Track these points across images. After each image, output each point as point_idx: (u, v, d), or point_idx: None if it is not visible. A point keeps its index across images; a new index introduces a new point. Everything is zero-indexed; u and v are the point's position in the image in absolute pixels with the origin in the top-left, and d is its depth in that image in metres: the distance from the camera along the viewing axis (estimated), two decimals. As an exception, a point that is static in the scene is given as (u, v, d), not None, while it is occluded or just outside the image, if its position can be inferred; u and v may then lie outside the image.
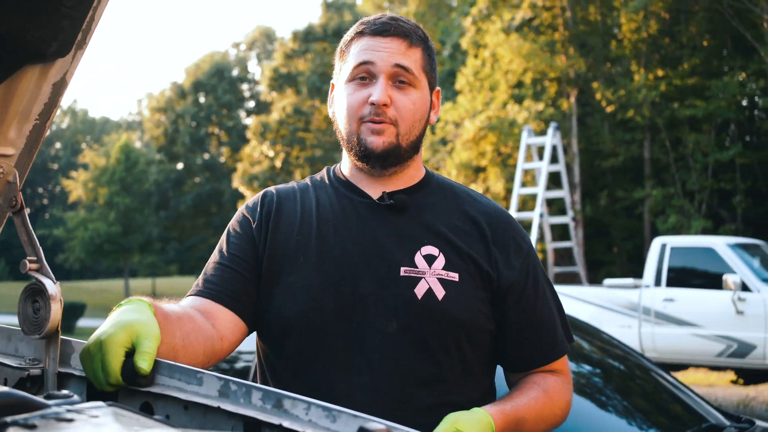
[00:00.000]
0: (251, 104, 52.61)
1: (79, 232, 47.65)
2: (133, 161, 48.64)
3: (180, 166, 51.89)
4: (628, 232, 24.87)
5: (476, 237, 1.96)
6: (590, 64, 23.81)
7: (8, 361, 1.60)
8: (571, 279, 15.34)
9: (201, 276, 1.95)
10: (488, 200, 2.09)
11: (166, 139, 50.96)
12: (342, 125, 1.97)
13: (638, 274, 20.99)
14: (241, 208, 2.05)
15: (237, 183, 38.92)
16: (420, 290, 1.85)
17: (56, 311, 1.50)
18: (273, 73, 40.15)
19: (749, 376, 11.22)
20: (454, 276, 1.89)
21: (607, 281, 11.90)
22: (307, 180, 2.10)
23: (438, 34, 36.95)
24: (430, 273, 1.87)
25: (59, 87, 1.55)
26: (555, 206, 20.70)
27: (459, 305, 1.87)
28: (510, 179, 22.24)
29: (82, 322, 34.77)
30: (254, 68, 59.36)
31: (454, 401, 1.86)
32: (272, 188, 2.07)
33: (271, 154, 37.99)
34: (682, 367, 11.47)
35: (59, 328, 1.53)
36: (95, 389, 1.50)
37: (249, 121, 48.12)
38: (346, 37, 2.01)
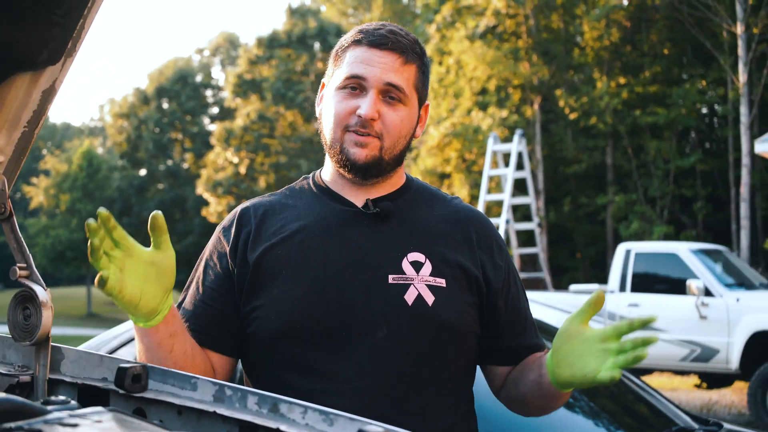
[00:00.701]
0: (215, 110, 52.34)
1: (40, 239, 47.03)
2: (95, 167, 48.12)
3: (143, 172, 51.49)
4: (591, 238, 25.12)
5: (461, 241, 1.98)
6: (553, 72, 24.03)
7: (-4, 368, 1.60)
8: (537, 285, 15.41)
9: (181, 309, 1.94)
10: (465, 203, 2.11)
11: (129, 146, 50.56)
12: (327, 130, 1.97)
13: (601, 279, 21.20)
14: (217, 230, 2.03)
15: (201, 189, 38.71)
16: (410, 297, 1.86)
17: (47, 318, 1.50)
18: (237, 79, 40.01)
19: (712, 380, 11.36)
20: (442, 282, 1.90)
21: (573, 287, 11.99)
22: (286, 190, 2.08)
23: (402, 40, 37.09)
24: (419, 279, 1.88)
25: (48, 94, 1.55)
26: (519, 212, 20.84)
27: (449, 311, 1.88)
28: (474, 185, 22.37)
29: (44, 331, 34.34)
30: (218, 74, 59.25)
31: (444, 403, 1.88)
32: (249, 203, 2.04)
33: (235, 160, 37.84)
34: (647, 371, 11.59)
35: (50, 335, 1.53)
36: (86, 396, 1.50)
37: (213, 127, 47.86)
38: (343, 41, 1.98)
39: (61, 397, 1.24)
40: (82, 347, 4.53)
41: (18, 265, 1.55)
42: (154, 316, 1.68)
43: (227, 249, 1.94)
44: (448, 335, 1.88)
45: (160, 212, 1.58)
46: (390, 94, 1.91)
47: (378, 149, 1.91)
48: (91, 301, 49.68)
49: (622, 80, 22.68)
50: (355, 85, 1.91)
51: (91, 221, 1.51)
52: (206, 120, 52.02)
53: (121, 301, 1.59)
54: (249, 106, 38.41)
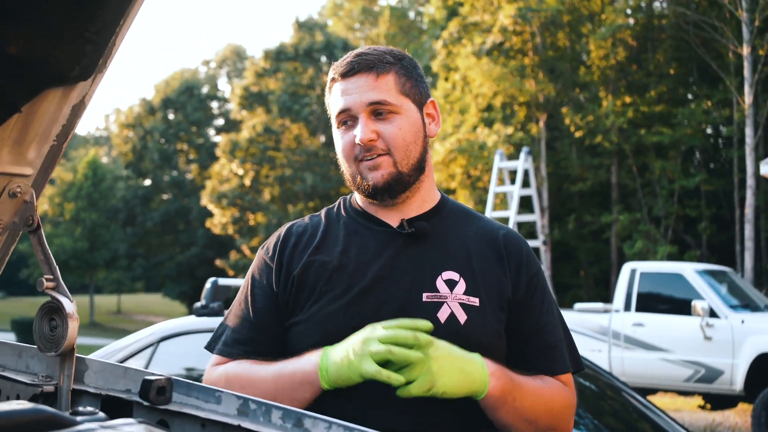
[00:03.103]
0: (221, 122, 52.42)
1: (43, 248, 47.03)
2: (100, 177, 48.23)
3: (148, 182, 51.55)
4: (595, 256, 25.09)
5: (493, 259, 2.00)
6: (559, 90, 24.06)
7: (21, 378, 1.61)
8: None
9: (229, 330, 1.98)
10: (498, 222, 2.14)
11: (134, 156, 50.62)
12: (344, 168, 2.02)
13: (605, 298, 21.20)
14: (261, 253, 2.08)
15: (205, 200, 38.73)
16: (443, 315, 1.88)
17: (73, 329, 1.52)
18: (243, 92, 40.09)
19: (716, 401, 11.33)
20: (475, 301, 1.91)
21: (578, 305, 11.97)
22: (322, 213, 2.12)
23: (409, 56, 37.15)
24: (452, 298, 1.90)
25: (78, 109, 1.58)
26: (524, 230, 20.82)
27: (481, 330, 1.90)
28: (479, 202, 22.37)
29: (45, 339, 34.26)
30: (224, 86, 59.33)
31: (474, 421, 1.90)
32: (289, 224, 2.11)
33: (240, 172, 37.85)
34: (651, 391, 11.56)
35: (75, 346, 1.55)
36: (109, 407, 1.52)
37: (218, 138, 47.92)
38: (328, 82, 2.06)
39: (89, 408, 1.26)
40: (90, 356, 4.55)
41: (45, 276, 1.57)
42: None
43: (271, 266, 2.00)
44: (479, 354, 1.89)
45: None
46: (378, 111, 1.95)
47: (392, 165, 1.95)
48: (93, 311, 49.69)
49: (627, 99, 22.70)
50: (346, 119, 1.98)
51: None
52: (212, 131, 52.12)
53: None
54: (255, 119, 38.47)
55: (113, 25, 1.48)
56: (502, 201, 18.00)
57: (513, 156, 20.03)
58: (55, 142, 1.60)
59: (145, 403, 1.44)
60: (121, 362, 4.49)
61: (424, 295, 1.90)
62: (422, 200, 2.05)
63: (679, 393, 11.51)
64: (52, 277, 1.57)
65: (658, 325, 10.83)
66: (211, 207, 38.45)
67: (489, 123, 24.28)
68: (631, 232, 22.38)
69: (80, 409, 1.26)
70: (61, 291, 1.56)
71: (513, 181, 15.66)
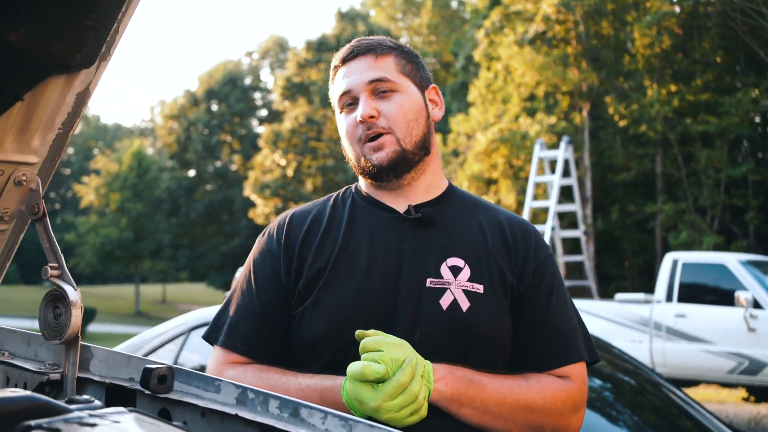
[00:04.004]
0: (263, 113, 52.72)
1: (90, 238, 47.78)
2: (145, 168, 48.77)
3: (192, 173, 52.05)
4: (640, 247, 24.81)
5: (501, 247, 1.98)
6: (603, 78, 23.79)
7: (28, 366, 1.62)
8: (582, 293, 15.27)
9: (233, 322, 1.96)
10: (508, 211, 2.12)
11: (178, 147, 51.13)
12: (349, 152, 2.03)
13: (649, 288, 20.94)
14: (261, 240, 2.07)
15: (248, 191, 39.00)
16: (445, 301, 1.87)
17: (77, 317, 1.52)
18: (286, 83, 40.26)
19: (760, 393, 11.17)
20: (479, 288, 1.90)
21: (619, 296, 11.83)
22: (328, 198, 2.12)
23: (451, 46, 37.00)
24: (456, 284, 1.89)
25: (83, 97, 1.58)
26: (566, 220, 20.67)
27: (483, 317, 1.88)
28: (521, 192, 22.24)
29: (93, 327, 34.85)
30: (267, 77, 59.75)
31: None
32: (290, 211, 2.10)
33: (282, 162, 38.06)
34: (693, 383, 11.42)
35: (79, 334, 1.55)
36: (114, 394, 1.52)
37: (261, 129, 48.22)
38: (330, 71, 2.09)
39: (85, 397, 1.26)
40: (125, 344, 4.60)
41: (50, 264, 1.58)
42: None
43: (274, 254, 1.99)
44: (480, 342, 1.88)
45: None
46: (379, 89, 1.97)
47: (395, 143, 1.96)
48: (139, 300, 50.33)
49: (673, 88, 22.36)
50: (349, 101, 2.00)
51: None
52: (254, 122, 52.45)
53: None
54: (297, 109, 38.62)
55: (114, 13, 1.47)
56: (545, 191, 17.87)
57: (556, 146, 19.86)
58: (60, 130, 1.60)
59: (147, 392, 1.44)
60: (155, 349, 4.54)
61: (428, 281, 1.89)
62: (428, 185, 2.04)
63: (722, 385, 11.36)
64: (57, 265, 1.58)
65: (701, 316, 10.68)
66: (254, 197, 38.70)
67: (531, 112, 24.10)
68: (677, 223, 22.07)
69: (76, 397, 1.26)
70: (65, 279, 1.56)
71: (553, 171, 15.54)
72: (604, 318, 11.12)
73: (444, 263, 1.92)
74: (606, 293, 21.82)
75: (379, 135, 1.95)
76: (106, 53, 1.53)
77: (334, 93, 2.04)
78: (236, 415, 1.32)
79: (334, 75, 2.06)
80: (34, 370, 1.59)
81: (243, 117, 51.20)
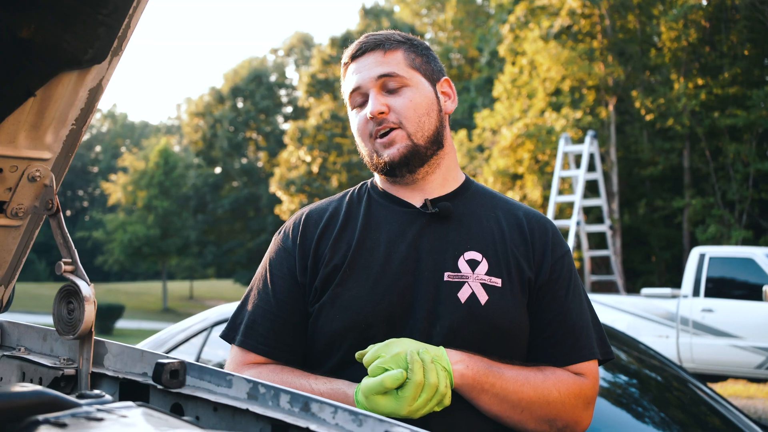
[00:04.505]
0: (289, 110, 52.85)
1: (118, 235, 48.12)
2: (171, 165, 49.04)
3: (218, 170, 52.27)
4: (667, 242, 24.62)
5: (518, 241, 1.97)
6: (629, 73, 23.63)
7: (43, 361, 1.63)
8: (608, 288, 15.19)
9: (250, 321, 1.96)
10: (525, 205, 2.11)
11: (204, 144, 51.35)
12: (362, 149, 2.03)
13: (677, 283, 20.78)
14: (277, 239, 2.06)
15: (274, 188, 39.09)
16: (463, 295, 1.86)
17: (90, 312, 1.52)
18: (310, 79, 40.30)
19: (789, 388, 11.07)
20: (497, 281, 1.89)
21: (645, 291, 11.74)
22: (344, 195, 2.12)
23: (475, 41, 36.92)
24: (473, 278, 1.88)
25: (95, 92, 1.58)
26: (592, 215, 20.55)
27: (502, 311, 1.87)
28: (547, 187, 22.15)
29: (121, 324, 35.13)
30: (292, 74, 59.80)
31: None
32: (306, 208, 2.09)
33: (308, 159, 38.11)
34: (720, 378, 11.33)
35: (93, 329, 1.56)
36: (128, 389, 1.52)
37: (286, 126, 48.35)
38: (341, 68, 2.09)
39: (96, 392, 1.26)
40: (150, 339, 4.62)
41: (63, 260, 1.58)
42: None
43: (290, 253, 1.99)
44: (499, 335, 1.87)
45: None
46: (388, 84, 1.96)
47: (407, 138, 1.95)
48: (166, 296, 50.64)
49: (700, 81, 22.16)
50: (359, 97, 1.99)
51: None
52: (280, 119, 52.57)
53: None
54: (322, 106, 38.67)
55: (125, 8, 1.47)
56: (570, 186, 17.78)
57: (582, 140, 19.75)
58: (73, 125, 1.60)
59: (159, 387, 1.44)
60: (180, 344, 4.56)
61: (446, 275, 1.88)
62: (444, 179, 2.03)
63: (750, 380, 11.25)
64: (70, 260, 1.58)
65: (729, 310, 10.58)
66: (279, 194, 38.78)
67: (557, 107, 23.98)
68: (704, 217, 21.89)
69: (86, 392, 1.26)
70: (79, 274, 1.57)
71: (578, 166, 15.46)
72: (630, 313, 11.05)
73: (461, 257, 1.91)
74: (634, 288, 21.68)
75: (390, 131, 1.94)
76: (118, 48, 1.53)
77: (345, 90, 2.04)
78: (247, 409, 1.32)
79: (344, 72, 2.06)
80: (49, 365, 1.59)
81: (268, 114, 51.33)
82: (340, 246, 1.95)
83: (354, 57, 2.02)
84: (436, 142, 1.99)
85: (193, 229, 48.87)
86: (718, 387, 11.82)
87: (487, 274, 1.89)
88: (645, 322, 10.97)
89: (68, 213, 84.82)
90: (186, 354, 4.39)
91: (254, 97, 50.61)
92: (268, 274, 2.00)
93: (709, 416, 4.00)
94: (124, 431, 1.03)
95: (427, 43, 2.11)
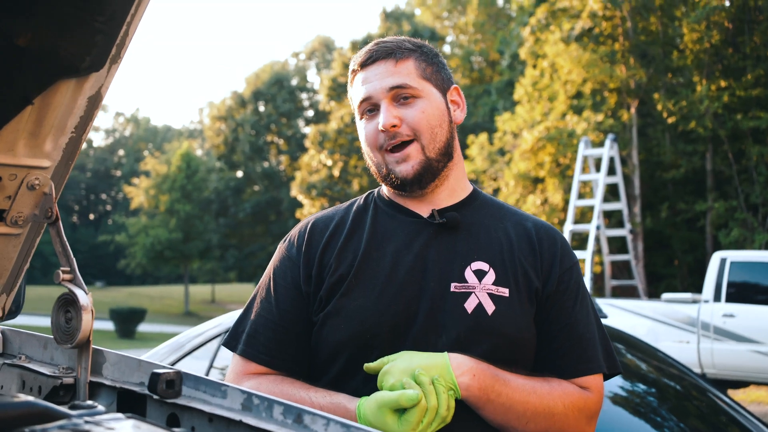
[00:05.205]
0: (310, 113, 52.96)
1: (140, 238, 48.37)
2: (193, 169, 49.24)
3: (239, 174, 52.46)
4: (690, 245, 24.45)
5: (527, 251, 1.96)
6: (651, 75, 23.49)
7: (43, 370, 1.63)
8: (629, 292, 15.09)
9: (252, 330, 1.94)
10: (533, 216, 2.09)
11: (226, 148, 51.55)
12: (369, 159, 2.01)
13: (699, 287, 20.58)
14: (282, 247, 2.05)
15: (295, 191, 39.19)
16: (470, 305, 1.84)
17: (87, 321, 1.52)
18: (332, 83, 40.38)
19: (812, 395, 10.94)
20: (504, 291, 1.88)
21: (665, 296, 11.65)
22: (351, 204, 2.10)
23: (496, 44, 36.83)
24: (480, 288, 1.86)
25: (94, 100, 1.57)
26: (614, 218, 20.43)
27: (509, 321, 1.85)
28: (568, 190, 22.05)
29: (143, 327, 35.29)
30: (313, 78, 59.90)
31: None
32: (312, 217, 2.08)
33: (329, 163, 38.18)
34: (742, 384, 11.21)
35: (91, 338, 1.55)
36: (126, 399, 1.51)
37: (308, 130, 48.44)
38: (349, 75, 2.05)
39: (89, 402, 1.26)
40: (168, 343, 4.63)
41: (62, 268, 1.58)
42: None
43: (295, 263, 1.97)
44: (506, 345, 1.85)
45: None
46: (400, 95, 1.93)
47: (420, 152, 1.93)
48: (188, 300, 50.83)
49: (723, 83, 21.99)
50: (370, 107, 1.96)
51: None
52: (301, 123, 52.68)
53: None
54: (343, 110, 38.72)
55: (123, 16, 1.46)
56: (592, 190, 17.69)
57: (603, 144, 19.66)
58: (73, 134, 1.59)
59: (155, 397, 1.43)
60: (196, 348, 4.56)
61: (452, 285, 1.86)
62: (452, 189, 2.01)
63: (772, 386, 11.14)
64: (69, 269, 1.57)
65: (750, 315, 10.47)
66: (300, 198, 38.88)
67: (578, 110, 23.88)
68: (727, 221, 21.71)
69: (79, 402, 1.25)
70: (77, 283, 1.56)
71: (598, 169, 15.39)
72: (651, 318, 10.96)
73: (468, 267, 1.89)
74: (656, 293, 21.53)
75: (403, 144, 1.92)
76: (116, 56, 1.53)
77: (354, 98, 2.01)
78: (240, 421, 1.31)
79: (352, 79, 2.03)
80: (49, 374, 1.59)
81: (290, 117, 51.46)
82: (346, 255, 1.93)
83: (363, 65, 1.98)
84: (447, 154, 1.97)
85: (214, 233, 49.06)
86: (740, 393, 11.72)
87: (494, 284, 1.88)
88: (665, 327, 10.88)
89: (91, 217, 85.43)
90: (202, 358, 4.39)
91: (276, 101, 50.75)
92: (271, 283, 1.98)
93: (729, 426, 3.94)
94: (109, 445, 1.02)
95: (436, 50, 2.07)
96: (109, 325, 34.66)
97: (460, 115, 2.04)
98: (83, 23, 1.42)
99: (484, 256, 1.91)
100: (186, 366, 4.27)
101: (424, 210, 1.98)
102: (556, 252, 1.98)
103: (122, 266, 53.65)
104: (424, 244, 1.92)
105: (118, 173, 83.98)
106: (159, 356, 4.38)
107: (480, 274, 1.88)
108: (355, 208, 2.07)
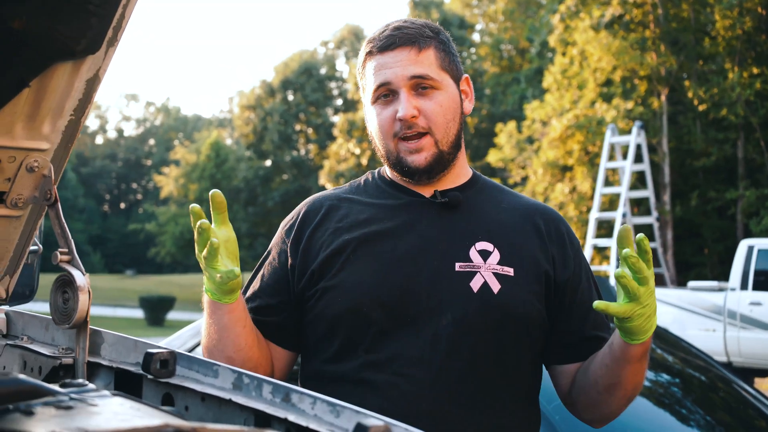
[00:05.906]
0: (339, 102, 52.93)
1: (170, 227, 48.71)
2: (222, 158, 49.45)
3: (268, 163, 52.55)
4: (720, 234, 24.20)
5: (531, 233, 1.97)
6: (682, 62, 23.25)
7: (44, 350, 1.65)
8: (657, 281, 14.96)
9: (251, 291, 2.02)
10: (534, 199, 2.10)
11: (255, 137, 51.65)
12: (379, 144, 1.99)
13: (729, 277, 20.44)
14: (281, 226, 2.09)
15: (324, 180, 39.25)
16: (475, 284, 1.85)
17: (84, 302, 1.54)
18: (360, 72, 40.32)
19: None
20: (509, 271, 1.88)
21: (691, 284, 11.57)
22: (352, 183, 2.11)
23: (526, 31, 36.60)
24: (485, 267, 1.87)
25: (92, 83, 1.59)
26: (643, 206, 20.27)
27: (515, 299, 1.86)
28: (597, 178, 21.91)
29: (172, 315, 35.59)
30: (342, 66, 59.76)
31: (504, 399, 1.87)
32: (313, 197, 2.10)
33: (357, 151, 38.18)
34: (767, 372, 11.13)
35: (88, 319, 1.57)
36: (124, 380, 1.53)
37: (336, 118, 48.41)
38: (360, 56, 2.02)
39: (79, 380, 1.27)
40: (189, 327, 4.65)
41: (60, 250, 1.60)
42: (238, 289, 1.77)
43: (288, 245, 1.99)
44: (513, 324, 1.86)
45: (218, 191, 1.70)
46: (421, 85, 1.91)
47: (434, 145, 1.92)
48: (218, 288, 51.01)
49: (755, 70, 21.71)
50: (386, 93, 1.93)
51: (203, 223, 1.66)
52: (330, 111, 52.66)
53: (230, 286, 1.72)
54: (372, 98, 38.70)
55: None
56: (620, 178, 17.57)
57: (631, 131, 19.52)
58: (72, 116, 1.61)
59: (149, 376, 1.45)
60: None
61: (457, 264, 1.87)
62: (455, 176, 2.02)
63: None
64: (66, 250, 1.59)
65: (777, 304, 10.38)
66: (329, 186, 38.92)
67: (608, 98, 23.69)
68: (759, 209, 21.47)
69: (70, 381, 1.27)
70: (74, 264, 1.58)
71: (625, 157, 15.27)
72: (676, 306, 10.89)
73: (473, 247, 1.90)
74: (685, 281, 21.36)
75: (418, 135, 1.91)
76: (113, 39, 1.54)
77: (368, 83, 1.97)
78: (230, 400, 1.32)
79: (366, 61, 1.98)
80: (49, 354, 1.61)
81: (318, 106, 51.47)
82: (344, 230, 1.94)
83: (382, 49, 1.94)
84: (457, 146, 1.98)
85: (243, 222, 49.23)
86: (766, 382, 11.61)
87: (498, 263, 1.88)
88: (691, 315, 10.81)
89: (122, 206, 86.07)
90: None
91: (304, 90, 50.76)
92: (268, 261, 2.04)
93: (756, 420, 3.89)
94: (88, 419, 1.03)
95: (448, 35, 2.05)
96: (139, 313, 35.03)
97: (468, 105, 2.04)
98: (77, 6, 1.43)
99: (488, 236, 1.92)
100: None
101: (426, 192, 1.99)
102: (563, 234, 2.00)
103: (152, 255, 54.08)
104: (426, 223, 1.93)
105: (149, 162, 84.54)
106: (182, 340, 4.41)
107: (485, 254, 1.89)
108: (356, 187, 2.08)
